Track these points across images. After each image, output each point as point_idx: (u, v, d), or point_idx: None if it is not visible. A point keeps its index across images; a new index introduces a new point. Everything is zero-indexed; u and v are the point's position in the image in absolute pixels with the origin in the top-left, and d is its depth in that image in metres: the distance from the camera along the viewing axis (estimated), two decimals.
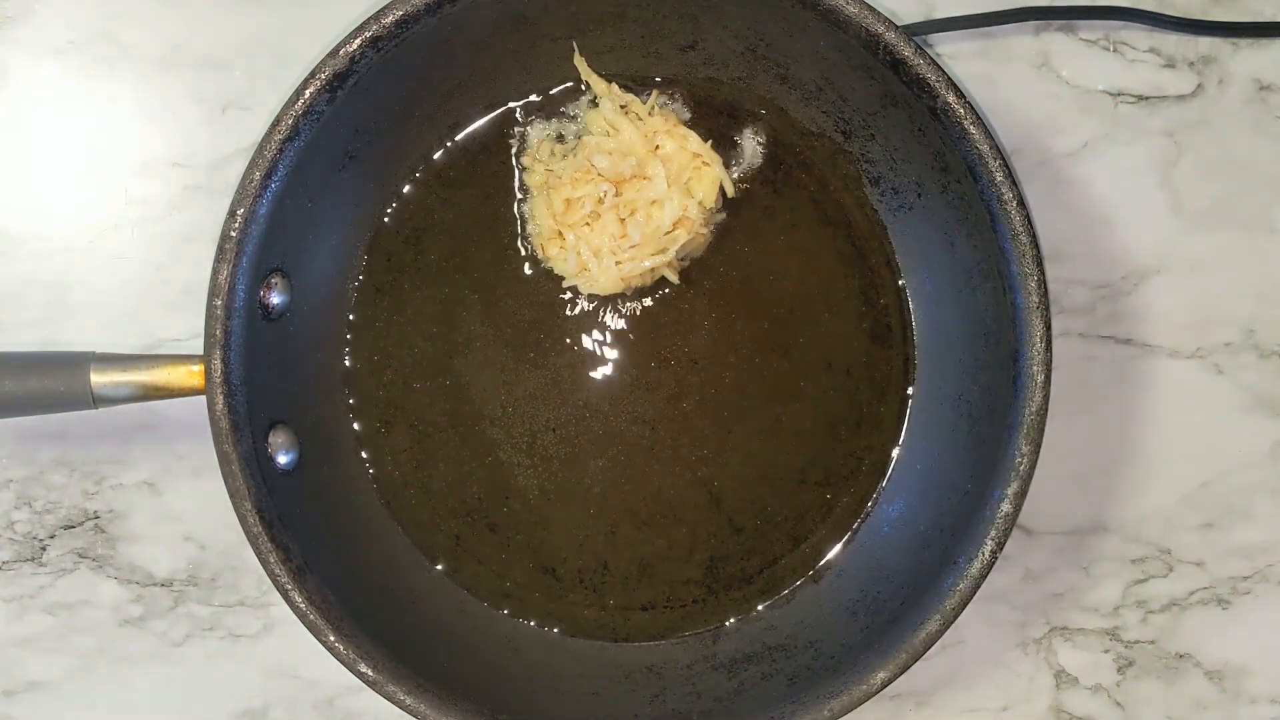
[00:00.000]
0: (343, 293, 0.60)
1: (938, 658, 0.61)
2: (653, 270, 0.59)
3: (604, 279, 0.58)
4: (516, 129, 0.60)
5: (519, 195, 0.60)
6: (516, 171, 0.60)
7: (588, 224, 0.58)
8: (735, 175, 0.59)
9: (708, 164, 0.59)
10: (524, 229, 0.60)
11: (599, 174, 0.58)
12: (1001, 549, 0.52)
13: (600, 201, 0.58)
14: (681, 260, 0.59)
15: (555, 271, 0.59)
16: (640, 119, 0.59)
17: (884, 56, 0.53)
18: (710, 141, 0.59)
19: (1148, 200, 0.61)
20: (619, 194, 0.58)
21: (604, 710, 0.57)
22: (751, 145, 0.60)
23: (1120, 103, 0.61)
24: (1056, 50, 0.61)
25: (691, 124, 0.59)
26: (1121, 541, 0.61)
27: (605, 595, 0.60)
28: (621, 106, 0.59)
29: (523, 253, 0.60)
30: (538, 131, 0.60)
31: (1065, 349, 0.61)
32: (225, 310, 0.52)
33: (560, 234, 0.59)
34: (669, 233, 0.58)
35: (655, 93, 0.59)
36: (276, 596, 0.54)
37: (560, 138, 0.60)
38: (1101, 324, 0.61)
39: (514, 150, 0.60)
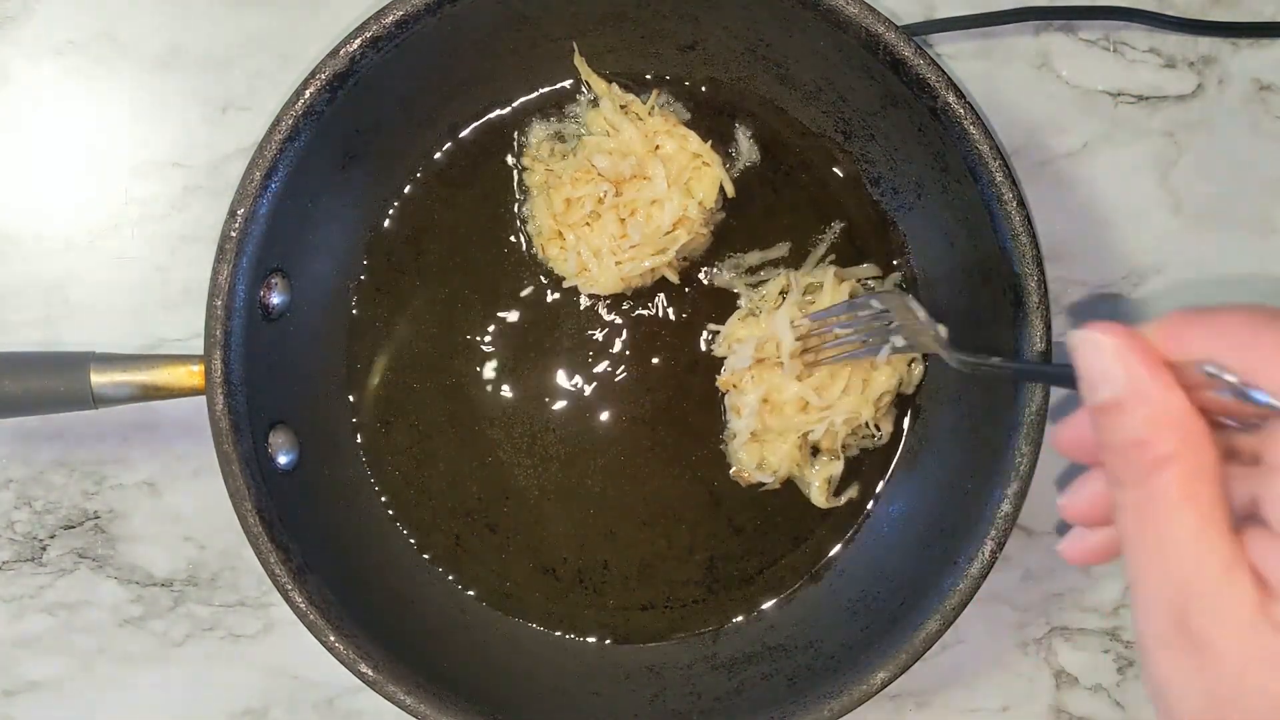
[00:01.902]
0: (343, 293, 0.60)
1: (938, 658, 0.61)
2: (653, 270, 0.59)
3: (604, 279, 0.58)
4: (517, 129, 0.60)
5: (519, 195, 0.60)
6: (516, 172, 0.60)
7: (588, 224, 0.58)
8: (735, 175, 0.59)
9: (708, 164, 0.58)
10: (524, 229, 0.60)
11: (599, 174, 0.58)
12: (1001, 549, 0.52)
13: (600, 201, 0.58)
14: (682, 260, 0.59)
15: (556, 272, 0.59)
16: (640, 119, 0.59)
17: (884, 56, 0.53)
18: (710, 141, 0.59)
19: (1148, 200, 0.61)
20: (619, 194, 0.58)
21: (604, 710, 0.57)
22: (751, 145, 0.60)
23: (1120, 103, 0.61)
24: (1056, 50, 0.61)
25: (691, 124, 0.59)
26: None
27: (605, 595, 0.60)
28: (621, 106, 0.59)
29: (523, 253, 0.60)
30: (538, 131, 0.60)
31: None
32: (225, 310, 0.52)
33: (560, 234, 0.59)
34: (669, 233, 0.58)
35: (655, 93, 0.59)
36: (276, 596, 0.54)
37: (560, 138, 0.60)
38: None
39: (514, 150, 0.60)
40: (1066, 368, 0.37)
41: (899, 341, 0.54)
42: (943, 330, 0.52)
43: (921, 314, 0.52)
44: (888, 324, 0.54)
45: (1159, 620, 0.33)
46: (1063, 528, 0.61)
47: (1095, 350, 0.35)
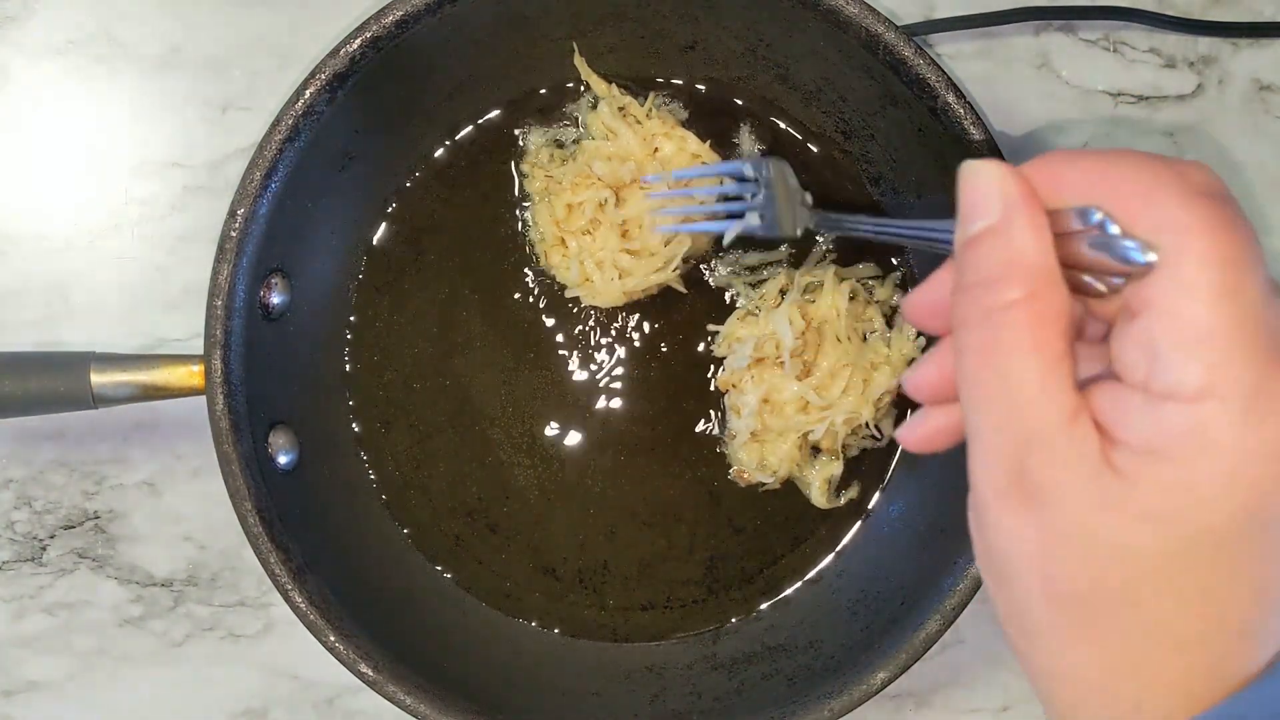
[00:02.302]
0: (343, 293, 0.60)
1: (938, 658, 0.61)
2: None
3: (606, 292, 0.58)
4: (516, 130, 0.60)
5: (520, 200, 0.60)
6: (517, 177, 0.60)
7: (588, 232, 0.58)
8: None
9: None
10: (525, 231, 0.60)
11: (598, 179, 0.58)
12: None
13: (601, 208, 0.58)
14: (684, 261, 0.59)
15: (557, 279, 0.59)
16: (639, 122, 0.59)
17: (884, 57, 0.53)
18: (709, 142, 0.59)
19: None
20: (619, 201, 0.58)
21: (604, 710, 0.57)
22: (751, 146, 0.60)
23: (1120, 103, 0.61)
24: (1056, 50, 0.61)
25: (690, 124, 0.59)
26: None
27: (605, 595, 0.60)
28: (620, 109, 0.59)
29: (523, 252, 0.60)
30: (536, 137, 0.60)
31: None
32: (225, 310, 0.52)
33: (563, 241, 0.58)
34: (669, 241, 0.58)
35: (653, 95, 0.59)
36: (276, 596, 0.54)
37: (559, 143, 0.60)
38: None
39: (514, 152, 0.60)
40: (937, 227, 0.36)
41: (753, 220, 0.50)
42: (808, 197, 0.49)
43: (792, 180, 0.50)
44: (751, 196, 0.50)
45: (997, 472, 0.32)
46: None
47: (975, 177, 0.33)
